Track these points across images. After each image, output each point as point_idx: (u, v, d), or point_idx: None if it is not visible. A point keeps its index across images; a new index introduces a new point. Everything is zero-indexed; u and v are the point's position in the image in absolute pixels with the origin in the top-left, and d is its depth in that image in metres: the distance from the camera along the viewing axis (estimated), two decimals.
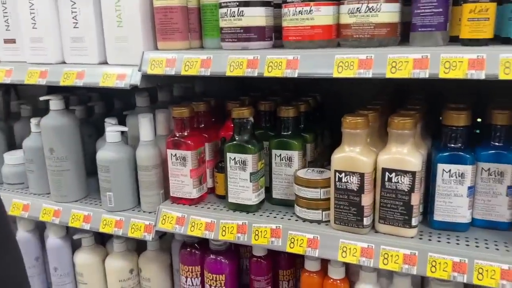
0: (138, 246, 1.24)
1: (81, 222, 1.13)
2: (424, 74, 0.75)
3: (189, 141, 1.01)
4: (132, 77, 0.97)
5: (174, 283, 1.22)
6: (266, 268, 1.05)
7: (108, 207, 1.10)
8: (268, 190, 1.04)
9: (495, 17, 0.74)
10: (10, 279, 0.54)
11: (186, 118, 1.01)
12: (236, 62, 0.88)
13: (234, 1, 0.86)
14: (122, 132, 1.10)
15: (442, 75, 0.74)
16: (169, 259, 1.21)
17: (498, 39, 0.79)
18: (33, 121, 1.22)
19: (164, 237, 1.20)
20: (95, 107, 1.38)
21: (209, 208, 1.04)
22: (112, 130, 1.08)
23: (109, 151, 1.08)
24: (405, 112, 0.89)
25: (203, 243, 1.10)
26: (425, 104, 0.99)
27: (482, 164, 0.87)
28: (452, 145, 0.86)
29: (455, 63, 0.73)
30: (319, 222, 0.94)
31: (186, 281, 1.11)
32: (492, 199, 0.87)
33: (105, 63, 1.04)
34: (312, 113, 1.10)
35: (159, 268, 1.18)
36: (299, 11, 0.84)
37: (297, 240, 0.92)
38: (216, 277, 1.06)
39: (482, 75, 0.72)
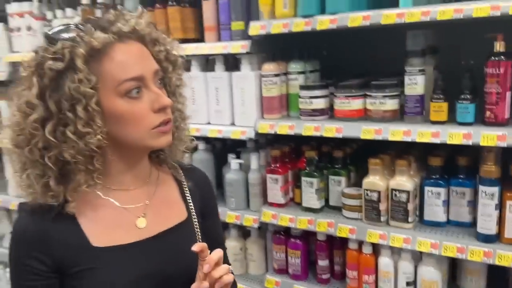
0: (244, 234, 1.98)
1: None
2: (409, 139, 1.40)
3: (279, 169, 1.73)
4: (249, 133, 1.73)
5: (267, 258, 1.94)
6: (325, 247, 1.72)
7: (230, 208, 1.86)
8: (327, 200, 1.73)
9: (447, 109, 1.37)
10: None
11: (278, 155, 1.73)
12: (308, 127, 1.59)
13: (307, 96, 1.58)
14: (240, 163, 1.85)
15: (418, 139, 1.39)
16: (265, 242, 1.93)
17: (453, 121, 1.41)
18: None
19: (261, 229, 1.93)
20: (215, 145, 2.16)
21: (291, 209, 1.75)
22: (235, 161, 1.84)
23: (232, 174, 1.83)
24: (405, 157, 1.54)
25: (287, 231, 1.80)
26: (416, 153, 1.61)
27: (452, 187, 1.49)
28: (433, 175, 1.50)
29: (426, 133, 1.38)
30: (356, 219, 1.61)
31: (276, 255, 1.82)
32: (459, 208, 1.49)
33: (233, 124, 1.80)
34: (354, 155, 1.77)
35: (259, 247, 1.91)
36: (342, 102, 1.54)
37: (343, 229, 1.60)
38: (294, 252, 1.76)
39: (438, 141, 1.36)
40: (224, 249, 1.06)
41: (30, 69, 0.82)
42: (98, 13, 2.06)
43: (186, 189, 1.00)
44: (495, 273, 1.54)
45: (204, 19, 1.81)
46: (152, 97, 0.84)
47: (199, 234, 0.97)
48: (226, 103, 1.79)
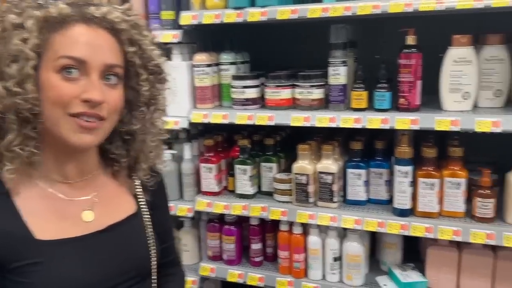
0: (177, 225, 1.98)
1: None
2: (334, 125, 1.53)
3: (213, 159, 1.77)
4: (182, 123, 1.74)
5: (201, 247, 1.96)
6: (258, 231, 1.80)
7: None
8: (260, 186, 1.80)
9: (367, 97, 1.52)
10: None
11: (211, 145, 1.77)
12: (241, 116, 1.65)
13: (239, 86, 1.64)
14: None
15: (342, 125, 1.51)
16: (198, 232, 1.95)
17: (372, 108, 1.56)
18: None
19: (194, 219, 1.95)
20: None
21: (225, 197, 1.80)
22: (167, 152, 1.84)
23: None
24: (330, 142, 1.67)
25: (221, 219, 1.85)
26: (340, 138, 1.75)
27: (371, 169, 1.64)
28: (354, 158, 1.64)
29: (349, 119, 1.51)
30: (287, 202, 1.70)
31: (210, 242, 1.85)
32: (377, 187, 1.65)
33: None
34: (283, 143, 1.87)
35: (193, 237, 1.93)
36: (273, 91, 1.62)
37: (275, 212, 1.68)
38: (229, 238, 1.81)
39: (360, 126, 1.49)
40: (176, 240, 1.09)
41: None
42: None
43: (136, 182, 0.98)
44: (409, 246, 1.73)
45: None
46: (86, 86, 0.80)
47: (150, 226, 0.96)
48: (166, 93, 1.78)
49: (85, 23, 0.81)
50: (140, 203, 0.97)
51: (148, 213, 0.97)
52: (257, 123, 1.62)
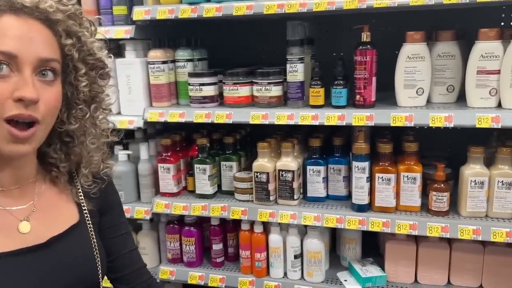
0: (135, 228, 1.92)
1: None
2: (292, 122, 1.52)
3: (171, 158, 1.72)
4: (137, 123, 1.68)
5: (160, 250, 1.91)
6: (219, 232, 1.76)
7: None
8: (220, 186, 1.77)
9: (324, 94, 1.52)
10: None
11: (169, 144, 1.72)
12: (199, 114, 1.61)
13: (196, 83, 1.60)
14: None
15: (300, 122, 1.51)
16: (157, 234, 1.90)
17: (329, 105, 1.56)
18: None
19: (152, 221, 1.89)
20: None
21: (184, 197, 1.75)
22: (122, 153, 1.77)
23: (120, 166, 1.76)
24: (289, 140, 1.66)
25: (180, 220, 1.80)
26: (300, 136, 1.75)
27: (330, 165, 1.65)
28: (313, 155, 1.64)
29: (307, 116, 1.50)
30: (247, 201, 1.68)
31: (170, 245, 1.81)
32: (336, 183, 1.65)
33: (119, 113, 1.74)
34: (243, 141, 1.84)
35: (151, 239, 1.87)
36: (231, 89, 1.59)
37: (236, 211, 1.65)
38: (189, 240, 1.76)
39: (317, 123, 1.49)
40: (134, 247, 1.03)
41: None
42: None
43: (79, 189, 0.91)
44: (368, 241, 1.75)
45: (82, 2, 1.71)
46: (18, 84, 0.72)
47: (94, 236, 0.90)
48: (110, 91, 1.71)
49: (14, 14, 0.74)
50: (84, 211, 0.90)
51: (91, 222, 0.90)
52: (215, 121, 1.58)
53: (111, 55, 0.88)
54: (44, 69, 0.76)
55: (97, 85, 0.86)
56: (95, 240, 0.90)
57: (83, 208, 0.90)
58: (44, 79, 0.76)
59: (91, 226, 0.90)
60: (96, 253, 0.89)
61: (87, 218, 0.90)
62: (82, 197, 0.91)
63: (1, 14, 0.73)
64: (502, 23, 1.69)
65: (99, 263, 0.89)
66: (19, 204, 0.83)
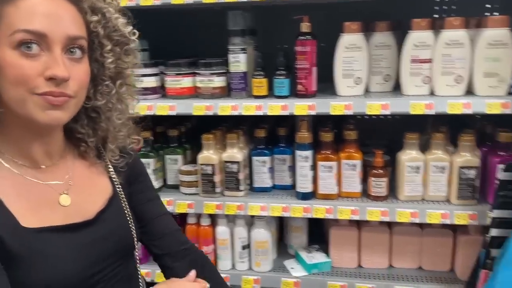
0: None
1: None
2: (236, 113, 1.51)
3: None
4: None
5: None
6: None
7: None
8: (165, 179, 1.74)
9: (267, 84, 1.52)
10: None
11: None
12: (140, 107, 1.56)
13: (137, 75, 1.56)
14: None
15: (244, 113, 1.50)
16: None
17: (272, 96, 1.57)
18: None
19: None
20: None
21: None
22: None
23: None
24: (235, 131, 1.66)
25: None
26: (246, 127, 1.76)
27: (275, 155, 1.66)
28: (259, 146, 1.64)
29: (250, 107, 1.51)
30: (193, 194, 1.66)
31: None
32: (282, 173, 1.67)
33: None
34: (189, 134, 1.82)
35: None
36: (173, 80, 1.57)
37: (182, 205, 1.63)
38: None
39: (261, 113, 1.50)
40: (165, 212, 1.05)
41: None
42: None
43: (108, 163, 0.93)
44: (316, 229, 1.78)
45: None
46: (49, 62, 0.73)
47: (127, 207, 0.93)
48: None
49: None
50: (115, 183, 0.93)
51: (123, 193, 0.93)
52: (157, 113, 1.55)
53: (135, 30, 0.87)
54: (73, 46, 0.76)
55: (122, 61, 0.86)
56: (128, 210, 0.93)
57: (114, 180, 0.93)
58: (72, 57, 0.77)
59: (124, 197, 0.93)
60: (131, 222, 0.93)
61: (119, 190, 0.93)
62: (112, 170, 0.93)
63: None
64: (436, 15, 1.77)
65: (134, 231, 0.92)
66: (56, 179, 0.85)
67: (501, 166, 1.34)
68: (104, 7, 0.81)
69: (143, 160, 1.61)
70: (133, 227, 0.93)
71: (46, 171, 0.84)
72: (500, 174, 1.31)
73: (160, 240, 1.01)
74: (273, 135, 1.69)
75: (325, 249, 1.69)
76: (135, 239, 0.93)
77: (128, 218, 0.93)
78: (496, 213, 1.29)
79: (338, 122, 1.65)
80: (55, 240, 0.80)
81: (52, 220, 0.81)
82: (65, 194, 0.85)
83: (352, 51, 1.44)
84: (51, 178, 0.84)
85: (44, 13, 0.73)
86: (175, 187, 1.71)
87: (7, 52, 0.72)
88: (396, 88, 1.53)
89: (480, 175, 1.43)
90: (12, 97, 0.74)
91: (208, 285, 0.97)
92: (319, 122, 1.68)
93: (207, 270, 1.03)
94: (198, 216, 1.68)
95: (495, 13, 1.71)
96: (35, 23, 0.72)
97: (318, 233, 1.82)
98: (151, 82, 1.59)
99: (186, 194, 1.66)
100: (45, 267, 0.77)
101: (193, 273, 0.97)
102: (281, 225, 1.83)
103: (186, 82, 1.57)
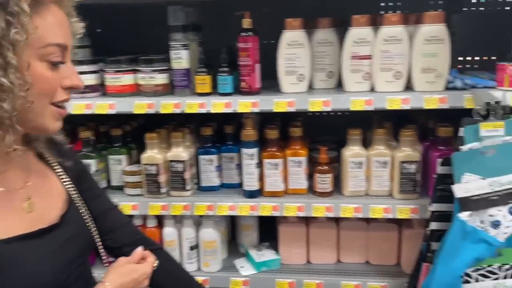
0: None
1: None
2: (179, 111, 1.48)
3: None
4: None
5: None
6: None
7: None
8: (109, 181, 1.68)
9: (211, 81, 1.49)
10: None
11: None
12: (78, 106, 1.51)
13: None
14: None
15: (187, 111, 1.47)
16: None
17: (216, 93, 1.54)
18: None
19: None
20: None
21: None
22: None
23: None
24: (180, 130, 1.62)
25: None
26: (192, 125, 1.72)
27: (222, 154, 1.64)
28: (205, 144, 1.62)
29: (193, 105, 1.47)
30: (138, 195, 1.61)
31: None
32: (229, 171, 1.65)
33: None
34: (134, 133, 1.76)
35: None
36: (113, 77, 1.51)
37: (125, 207, 1.58)
38: None
39: (205, 111, 1.47)
40: (114, 206, 1.07)
41: None
42: None
43: (53, 162, 0.92)
44: (267, 227, 1.77)
45: None
46: (66, 73, 0.78)
47: (83, 206, 0.94)
48: None
49: (55, 4, 0.77)
50: (67, 184, 0.92)
51: (77, 190, 0.94)
52: (96, 112, 1.50)
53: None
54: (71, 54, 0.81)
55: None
56: (85, 209, 0.94)
57: (65, 180, 0.92)
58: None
59: (78, 196, 0.93)
60: (90, 221, 0.94)
61: (73, 190, 0.93)
62: (61, 170, 0.92)
63: (48, 5, 0.75)
64: (382, 12, 1.78)
65: (94, 230, 0.94)
66: (17, 185, 0.83)
67: (440, 160, 1.37)
68: (73, 12, 0.84)
69: (85, 161, 1.58)
70: (94, 226, 0.95)
71: (6, 177, 0.82)
72: (438, 168, 1.33)
73: (113, 233, 1.02)
74: (221, 133, 1.67)
75: (275, 247, 1.68)
76: (95, 237, 0.95)
77: (86, 218, 0.94)
78: (435, 207, 1.32)
79: (288, 119, 1.64)
80: (27, 248, 0.79)
81: (20, 228, 0.80)
82: (28, 200, 0.84)
83: (294, 47, 1.43)
84: (13, 184, 0.83)
85: (63, 25, 0.78)
86: (120, 189, 1.66)
87: (36, 64, 0.74)
88: (340, 85, 1.53)
89: (421, 170, 1.46)
90: (34, 108, 0.75)
91: (156, 261, 0.97)
92: (267, 119, 1.66)
93: (162, 254, 1.05)
94: (145, 217, 1.64)
95: (439, 10, 1.74)
96: (61, 36, 0.77)
97: (271, 230, 1.81)
98: (89, 79, 1.52)
99: (130, 195, 1.61)
100: (23, 275, 0.77)
101: (139, 249, 0.96)
102: (233, 224, 1.81)
103: (126, 79, 1.52)
